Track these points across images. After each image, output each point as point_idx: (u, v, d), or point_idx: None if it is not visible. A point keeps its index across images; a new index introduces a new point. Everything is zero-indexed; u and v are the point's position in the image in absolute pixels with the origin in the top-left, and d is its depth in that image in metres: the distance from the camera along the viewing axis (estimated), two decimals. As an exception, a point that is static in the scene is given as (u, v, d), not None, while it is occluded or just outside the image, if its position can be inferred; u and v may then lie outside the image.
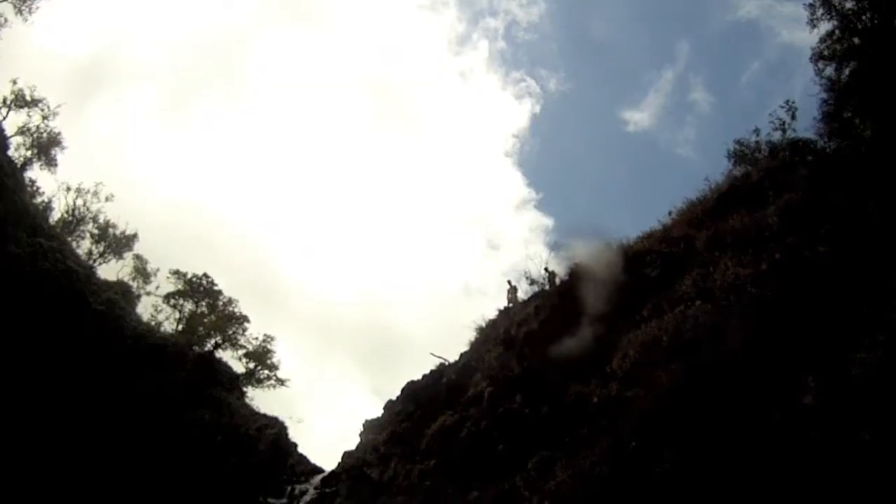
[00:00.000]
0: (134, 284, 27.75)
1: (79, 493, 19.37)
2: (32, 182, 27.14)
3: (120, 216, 30.09)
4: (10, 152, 25.14)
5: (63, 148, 28.07)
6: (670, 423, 9.72)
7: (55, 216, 27.57)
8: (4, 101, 26.36)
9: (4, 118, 26.19)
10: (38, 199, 26.97)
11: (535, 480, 14.39)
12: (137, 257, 28.86)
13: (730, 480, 8.24)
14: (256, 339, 28.86)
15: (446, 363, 22.83)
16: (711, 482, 8.62)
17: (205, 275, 28.43)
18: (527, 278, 19.71)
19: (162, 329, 26.56)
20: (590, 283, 14.33)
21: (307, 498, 21.78)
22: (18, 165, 25.79)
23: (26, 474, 18.55)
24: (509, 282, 22.52)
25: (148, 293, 28.24)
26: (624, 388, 11.32)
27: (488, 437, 17.62)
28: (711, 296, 10.65)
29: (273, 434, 25.49)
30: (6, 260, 20.73)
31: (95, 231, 28.15)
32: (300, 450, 26.34)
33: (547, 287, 17.85)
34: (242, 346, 28.15)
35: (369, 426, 26.53)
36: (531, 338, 16.22)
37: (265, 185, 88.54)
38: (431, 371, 23.84)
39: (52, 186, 29.42)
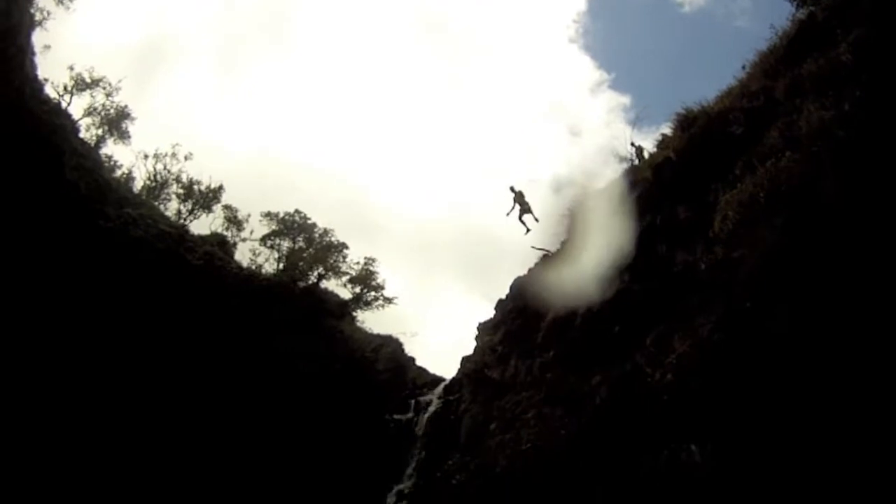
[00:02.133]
0: (228, 234, 29.56)
1: (209, 434, 21.85)
2: (109, 158, 29.45)
3: (202, 173, 31.91)
4: (82, 134, 27.01)
5: (133, 119, 30.07)
6: (780, 279, 9.90)
7: (138, 185, 29.68)
8: (65, 87, 28.24)
9: (69, 104, 28.07)
10: (118, 173, 29.15)
11: (655, 356, 14.90)
12: (227, 207, 30.58)
13: (844, 327, 8.47)
14: (358, 263, 30.47)
15: (549, 254, 23.31)
16: (826, 331, 8.89)
17: (297, 211, 29.98)
18: (615, 156, 19.71)
19: (263, 271, 28.49)
20: (678, 150, 14.25)
21: (432, 408, 23.23)
22: (92, 144, 27.66)
23: (157, 426, 21.10)
24: (512, 188, 23.49)
25: (243, 240, 30.13)
26: (729, 250, 11.46)
27: (602, 320, 18.22)
28: (800, 144, 10.42)
29: (389, 352, 27.22)
30: (99, 235, 22.67)
31: (180, 191, 29.94)
32: (418, 363, 28.04)
33: (636, 162, 17.80)
34: (345, 273, 29.81)
35: (484, 328, 27.54)
36: (630, 215, 16.42)
37: (339, 123, 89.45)
38: (536, 264, 24.38)
39: (129, 158, 31.41)
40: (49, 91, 26.39)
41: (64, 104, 27.64)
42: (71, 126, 25.88)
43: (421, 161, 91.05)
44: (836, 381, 9.04)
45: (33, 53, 23.44)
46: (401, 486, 20.75)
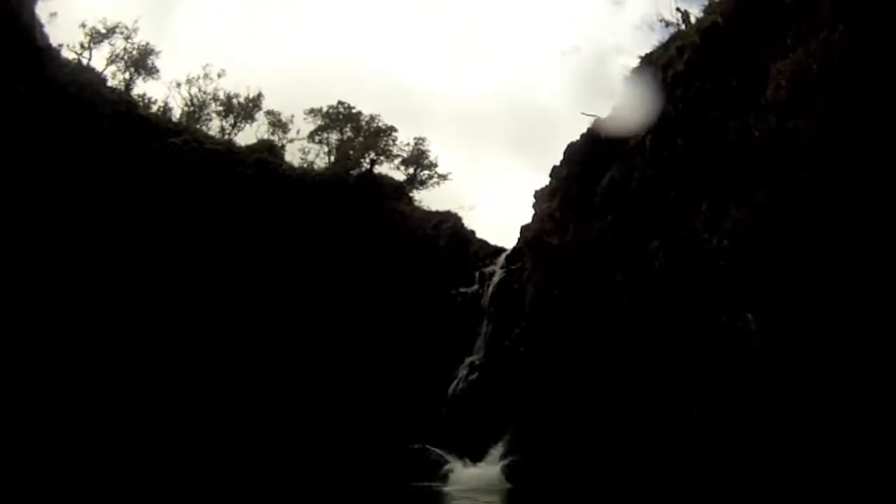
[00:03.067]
0: (274, 138, 29.98)
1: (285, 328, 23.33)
2: (142, 96, 29.53)
3: (238, 87, 31.93)
4: (109, 82, 27.64)
5: (158, 54, 29.80)
6: (837, 150, 9.70)
7: (177, 114, 29.93)
8: (82, 45, 28.16)
9: (90, 59, 28.23)
10: (154, 108, 29.26)
11: (712, 221, 14.95)
12: (269, 113, 30.71)
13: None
14: (408, 144, 30.64)
15: (601, 120, 22.81)
16: (883, 207, 8.80)
17: (340, 102, 29.84)
18: (660, 21, 18.74)
19: (315, 167, 29.02)
20: (726, 15, 13.47)
21: (496, 279, 23.86)
22: (123, 88, 28.11)
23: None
24: None
25: (290, 141, 30.50)
26: (782, 119, 11.14)
27: (657, 185, 18.12)
28: (852, 18, 9.77)
29: (449, 227, 27.78)
30: (147, 170, 23.78)
31: (220, 108, 30.12)
32: (478, 235, 28.57)
33: (683, 27, 16.96)
34: (396, 156, 30.08)
35: (540, 195, 27.47)
36: (680, 80, 15.85)
37: (366, 16, 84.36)
38: (588, 130, 23.91)
39: (163, 91, 31.19)
40: (67, 54, 26.89)
41: (85, 61, 27.92)
42: (97, 79, 26.55)
43: (456, 40, 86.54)
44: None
45: (41, 26, 23.86)
46: (472, 358, 21.86)
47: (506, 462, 18.58)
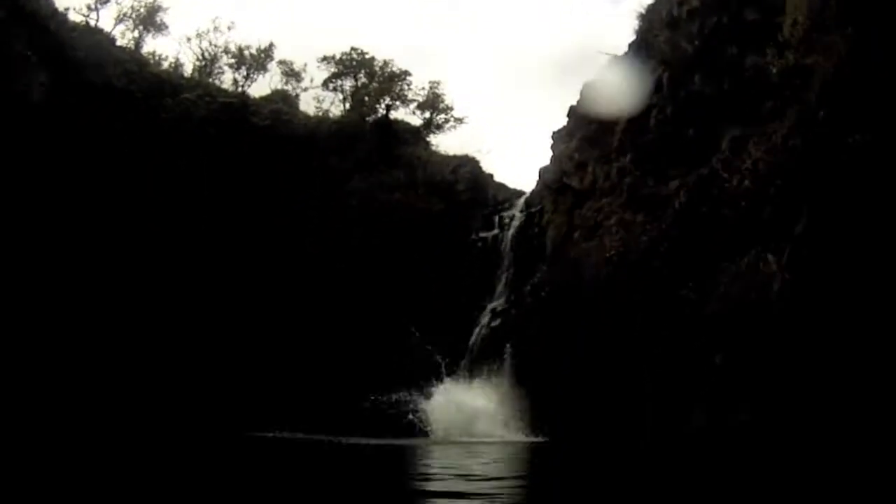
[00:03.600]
0: (288, 88, 29.73)
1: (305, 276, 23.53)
2: (153, 53, 29.32)
3: (249, 37, 31.31)
4: (119, 42, 27.52)
5: (166, 10, 29.34)
6: (854, 90, 9.45)
7: (188, 69, 29.59)
8: (88, 7, 27.90)
9: (97, 21, 28.00)
10: (165, 65, 29.05)
11: (731, 161, 14.78)
12: (282, 62, 30.21)
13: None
14: (423, 88, 30.04)
15: (617, 57, 22.34)
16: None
17: (353, 49, 29.38)
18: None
19: (331, 115, 28.85)
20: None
21: (516, 223, 23.59)
22: (133, 47, 28.07)
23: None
24: None
25: (304, 90, 30.14)
26: (801, 56, 10.84)
27: (676, 123, 17.86)
28: None
29: (468, 171, 27.57)
30: (163, 127, 23.95)
31: (231, 60, 29.67)
32: (497, 179, 28.32)
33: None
34: (412, 100, 29.55)
35: (558, 136, 27.02)
36: (694, 15, 15.46)
37: None
38: (604, 67, 23.41)
39: (174, 46, 30.75)
40: (74, 17, 26.66)
41: (92, 22, 27.72)
42: (106, 39, 26.53)
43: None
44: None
45: (46, -9, 23.86)
46: (493, 304, 21.83)
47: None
